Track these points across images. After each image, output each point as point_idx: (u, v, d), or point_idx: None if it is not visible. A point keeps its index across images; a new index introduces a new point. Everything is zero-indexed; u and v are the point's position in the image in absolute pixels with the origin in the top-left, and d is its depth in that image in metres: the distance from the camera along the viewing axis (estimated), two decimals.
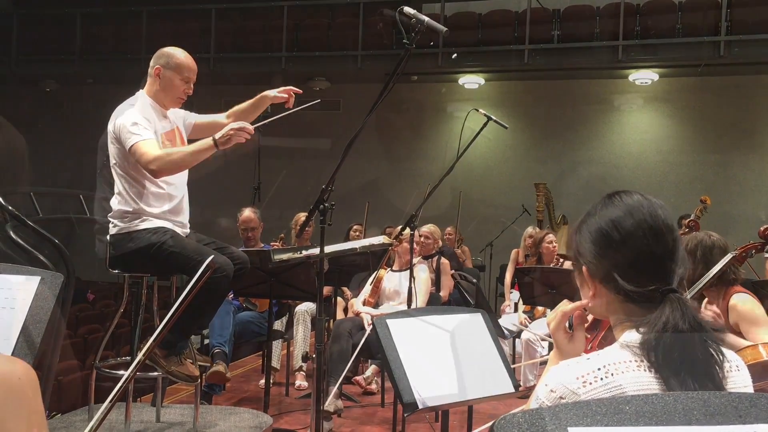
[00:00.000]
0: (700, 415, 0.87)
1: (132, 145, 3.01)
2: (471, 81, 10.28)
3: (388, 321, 2.50)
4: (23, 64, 11.72)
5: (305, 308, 5.54)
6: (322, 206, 2.71)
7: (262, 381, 4.98)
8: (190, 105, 3.50)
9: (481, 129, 3.93)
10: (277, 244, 5.67)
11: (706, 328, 1.11)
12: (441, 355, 2.49)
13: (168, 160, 3.00)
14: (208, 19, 10.98)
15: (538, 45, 9.58)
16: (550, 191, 9.26)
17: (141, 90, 3.27)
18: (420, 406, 2.31)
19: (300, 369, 5.42)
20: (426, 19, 2.34)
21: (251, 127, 3.00)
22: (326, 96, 11.35)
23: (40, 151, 10.29)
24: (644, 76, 9.84)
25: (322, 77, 10.98)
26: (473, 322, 2.64)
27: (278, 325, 5.49)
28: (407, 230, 4.18)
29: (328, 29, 10.73)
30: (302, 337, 5.45)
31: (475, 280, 3.78)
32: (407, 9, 2.35)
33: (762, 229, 3.00)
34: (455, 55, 9.98)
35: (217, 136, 2.97)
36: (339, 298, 5.73)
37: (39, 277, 2.00)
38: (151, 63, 3.25)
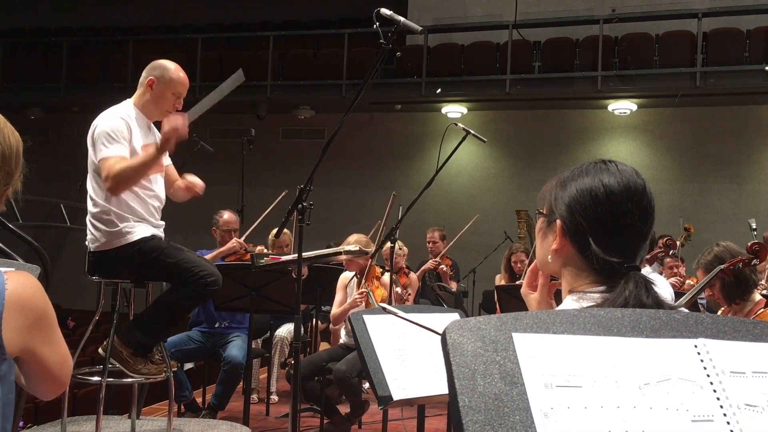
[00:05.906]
0: (648, 329, 0.91)
1: (101, 159, 3.04)
2: (454, 110, 10.42)
3: (365, 317, 2.52)
4: (8, 92, 11.73)
5: (285, 334, 5.52)
6: (300, 205, 2.74)
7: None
8: None
9: (461, 142, 4.05)
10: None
11: (666, 307, 1.12)
12: (416, 350, 2.50)
13: (119, 180, 3.01)
14: (194, 49, 11.08)
15: (519, 75, 9.77)
16: (532, 218, 9.33)
17: (128, 99, 3.27)
18: (394, 399, 2.32)
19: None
20: (402, 19, 2.41)
21: (183, 123, 3.02)
22: (311, 125, 11.46)
23: (24, 179, 10.22)
24: (623, 107, 10.03)
25: (307, 106, 11.10)
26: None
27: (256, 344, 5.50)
28: (388, 243, 4.22)
29: (313, 59, 10.88)
30: (279, 365, 5.54)
31: (454, 290, 3.81)
32: (383, 10, 2.42)
33: (749, 244, 3.03)
34: (439, 90, 10.14)
35: (159, 144, 3.03)
36: (319, 322, 5.70)
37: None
38: (145, 74, 3.24)
